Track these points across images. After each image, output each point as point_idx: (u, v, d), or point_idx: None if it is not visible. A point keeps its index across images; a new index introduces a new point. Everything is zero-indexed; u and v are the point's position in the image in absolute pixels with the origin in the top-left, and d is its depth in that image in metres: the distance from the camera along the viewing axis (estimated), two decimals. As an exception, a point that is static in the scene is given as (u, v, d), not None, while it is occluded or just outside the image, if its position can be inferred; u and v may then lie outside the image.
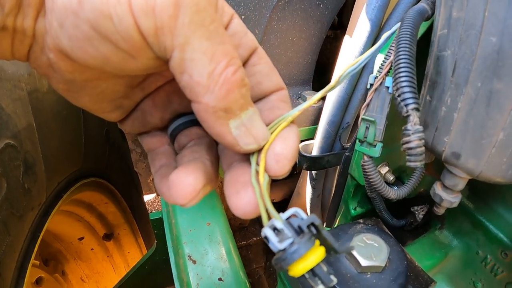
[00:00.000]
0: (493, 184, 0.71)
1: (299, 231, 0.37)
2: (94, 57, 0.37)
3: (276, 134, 0.43)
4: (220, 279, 0.91)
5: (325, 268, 0.37)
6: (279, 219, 0.38)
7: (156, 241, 1.36)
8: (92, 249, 2.23)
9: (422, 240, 0.88)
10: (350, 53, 0.93)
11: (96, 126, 1.82)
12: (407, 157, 0.53)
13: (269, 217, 0.39)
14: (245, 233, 1.65)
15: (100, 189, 1.91)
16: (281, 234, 0.37)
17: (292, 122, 0.45)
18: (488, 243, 0.78)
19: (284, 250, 0.36)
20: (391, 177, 0.82)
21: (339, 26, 1.48)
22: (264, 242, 0.38)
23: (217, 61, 0.36)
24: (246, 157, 0.45)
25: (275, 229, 0.38)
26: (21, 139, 1.12)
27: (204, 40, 0.36)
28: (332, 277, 0.37)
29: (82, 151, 1.62)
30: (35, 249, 1.24)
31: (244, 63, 0.47)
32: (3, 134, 1.03)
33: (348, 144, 1.02)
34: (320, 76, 1.39)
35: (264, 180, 0.41)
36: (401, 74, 0.54)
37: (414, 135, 0.52)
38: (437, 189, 0.67)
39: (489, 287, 0.79)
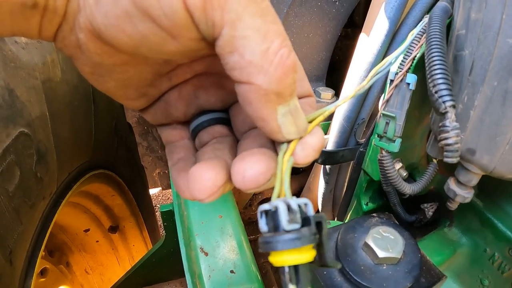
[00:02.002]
0: (502, 183, 0.73)
1: (305, 223, 0.36)
2: (131, 36, 0.36)
3: (314, 126, 0.43)
4: (232, 271, 0.93)
5: (307, 272, 0.36)
6: (294, 201, 0.36)
7: (165, 234, 1.38)
8: (97, 241, 2.25)
9: (432, 236, 0.90)
10: (368, 51, 0.95)
11: (105, 118, 1.84)
12: (445, 153, 0.56)
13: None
14: (254, 227, 1.67)
15: (107, 181, 1.93)
16: (291, 214, 0.36)
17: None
18: (496, 241, 0.80)
19: (286, 231, 0.35)
20: (404, 173, 0.85)
21: (350, 24, 1.49)
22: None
23: (271, 40, 0.35)
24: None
25: (289, 207, 0.36)
26: (35, 127, 1.14)
27: (257, 17, 0.34)
28: (309, 283, 0.36)
29: (92, 143, 1.65)
30: (45, 239, 1.26)
31: None
32: (17, 122, 1.05)
33: (363, 140, 1.04)
34: (331, 73, 1.41)
35: (289, 161, 0.40)
36: (437, 72, 0.56)
37: (452, 132, 0.54)
38: (451, 184, 0.69)
39: (496, 284, 0.81)
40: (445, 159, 0.56)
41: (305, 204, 0.37)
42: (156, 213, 2.94)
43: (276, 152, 0.44)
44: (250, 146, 0.48)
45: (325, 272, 0.63)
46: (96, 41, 0.38)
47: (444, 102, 0.54)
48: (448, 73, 0.56)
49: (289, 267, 0.35)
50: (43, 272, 1.81)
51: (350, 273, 0.60)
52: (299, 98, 0.47)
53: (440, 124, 0.55)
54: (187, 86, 0.51)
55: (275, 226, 0.36)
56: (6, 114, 1.00)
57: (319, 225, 0.37)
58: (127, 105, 0.50)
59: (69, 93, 1.41)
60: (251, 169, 0.39)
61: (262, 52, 0.34)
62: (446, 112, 0.54)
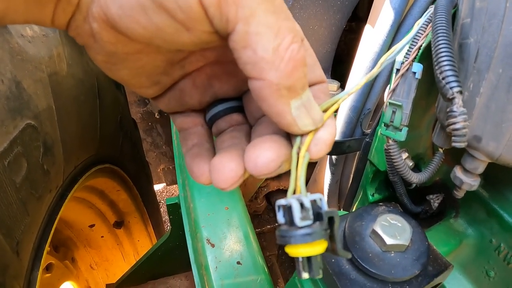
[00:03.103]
0: (508, 174, 0.74)
1: (318, 218, 0.39)
2: (145, 27, 0.37)
3: (329, 116, 0.44)
4: (238, 262, 0.94)
5: (319, 261, 0.39)
6: (307, 198, 0.39)
7: (170, 227, 1.39)
8: (102, 236, 2.27)
9: (438, 227, 0.90)
10: (373, 41, 0.96)
11: (110, 113, 1.86)
12: (453, 138, 0.57)
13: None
14: (259, 220, 1.68)
15: (113, 176, 1.95)
16: (304, 212, 0.38)
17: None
18: (502, 232, 0.80)
19: (300, 227, 0.38)
20: (410, 163, 0.85)
21: (354, 18, 1.50)
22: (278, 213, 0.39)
23: (283, 37, 0.36)
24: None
25: (302, 204, 0.39)
26: (41, 120, 1.15)
27: (270, 14, 0.36)
28: (320, 271, 0.39)
29: (97, 137, 1.66)
30: (51, 232, 1.27)
31: None
32: (24, 114, 1.06)
33: (369, 131, 1.05)
34: (335, 67, 1.41)
35: (305, 157, 0.42)
36: (443, 59, 0.57)
37: (460, 117, 0.55)
38: (458, 172, 0.70)
39: (502, 275, 0.81)
40: (453, 144, 0.57)
41: (320, 199, 0.40)
42: (161, 209, 2.96)
43: (288, 138, 0.46)
44: (263, 132, 0.50)
45: (333, 260, 0.64)
46: (110, 30, 0.39)
47: (451, 88, 0.55)
48: (455, 60, 0.57)
49: (303, 257, 0.38)
50: (48, 268, 1.83)
51: (358, 260, 0.61)
52: (312, 84, 0.48)
53: (448, 110, 0.56)
54: (201, 74, 0.53)
55: (290, 221, 0.39)
56: (13, 106, 1.01)
57: (331, 220, 0.39)
58: (140, 93, 0.52)
59: (75, 87, 1.43)
60: (262, 156, 0.41)
61: (274, 48, 0.36)
62: (453, 98, 0.55)
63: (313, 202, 0.39)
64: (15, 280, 1.03)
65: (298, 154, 0.43)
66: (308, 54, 0.47)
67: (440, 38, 0.59)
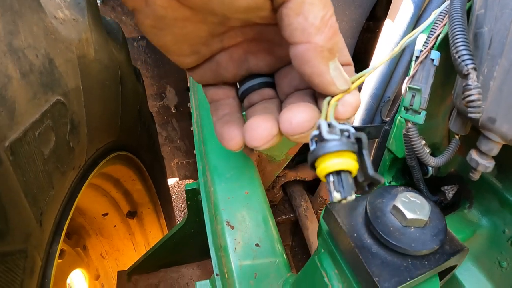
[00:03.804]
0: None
1: (346, 137, 0.42)
2: None
3: (356, 86, 0.50)
4: (257, 244, 0.95)
5: (350, 180, 0.40)
6: (335, 121, 0.43)
7: (188, 213, 1.41)
8: (114, 226, 2.29)
9: (452, 217, 0.92)
10: (394, 32, 0.99)
11: (131, 102, 1.89)
12: (469, 109, 0.61)
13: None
14: (275, 210, 1.70)
15: (129, 164, 1.98)
16: (331, 129, 0.42)
17: None
18: (515, 222, 0.82)
19: (327, 140, 0.40)
20: (427, 150, 0.88)
21: (371, 17, 1.53)
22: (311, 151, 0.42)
23: (328, 9, 0.43)
24: None
25: (329, 125, 0.43)
26: (70, 98, 1.19)
27: None
28: (353, 192, 0.40)
29: (118, 123, 1.69)
30: (72, 209, 1.30)
31: None
32: (55, 90, 1.09)
33: (388, 118, 1.07)
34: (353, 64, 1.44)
35: (332, 105, 0.47)
36: (459, 39, 0.62)
37: (474, 90, 0.60)
38: (473, 154, 0.73)
39: (514, 266, 0.83)
40: (469, 115, 0.62)
41: (348, 128, 0.43)
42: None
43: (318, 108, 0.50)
44: (294, 101, 0.54)
45: (355, 234, 0.67)
46: None
47: (466, 65, 0.60)
48: (468, 41, 0.62)
49: (333, 175, 0.40)
50: (60, 254, 1.85)
51: (380, 233, 0.64)
52: (342, 65, 0.52)
53: (464, 84, 0.61)
54: (238, 49, 0.56)
55: (319, 138, 0.42)
56: (46, 81, 1.05)
57: (359, 140, 0.42)
58: (178, 61, 0.55)
59: (101, 72, 1.46)
60: (298, 116, 0.47)
61: (322, 16, 0.43)
62: (468, 74, 0.60)
63: (342, 130, 0.42)
64: (36, 250, 1.05)
65: (328, 104, 0.48)
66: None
67: (456, 23, 0.64)
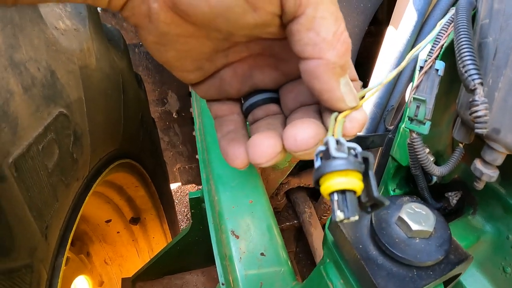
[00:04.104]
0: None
1: (353, 156, 0.41)
2: (214, 7, 0.40)
3: (364, 101, 0.50)
4: (262, 254, 0.96)
5: (355, 200, 0.40)
6: (343, 139, 0.42)
7: (191, 221, 1.41)
8: (118, 232, 2.30)
9: (456, 223, 0.92)
10: (397, 40, 0.99)
11: (133, 109, 1.90)
12: (476, 124, 0.61)
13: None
14: (278, 217, 1.70)
15: (132, 171, 1.98)
16: (339, 146, 0.41)
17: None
18: (519, 228, 0.83)
19: (334, 157, 0.40)
20: (431, 158, 0.88)
21: (374, 22, 1.53)
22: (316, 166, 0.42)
23: (339, 23, 0.42)
24: None
25: (338, 142, 0.42)
26: (72, 110, 1.19)
27: (331, 3, 0.41)
28: (357, 213, 0.39)
29: (121, 132, 1.70)
30: (77, 220, 1.31)
31: None
32: (57, 103, 1.10)
33: (391, 127, 1.08)
34: (356, 68, 1.44)
35: (340, 121, 0.47)
36: (465, 53, 0.62)
37: (481, 105, 0.60)
38: (478, 164, 0.73)
39: (518, 272, 0.83)
40: (476, 130, 0.62)
41: (356, 147, 0.42)
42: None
43: (323, 124, 0.50)
44: (299, 117, 0.54)
45: (361, 246, 0.67)
46: (169, 11, 0.42)
47: (473, 80, 0.60)
48: (475, 55, 0.62)
49: (338, 194, 0.40)
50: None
51: (386, 245, 0.64)
52: None
53: (470, 100, 0.61)
54: (243, 65, 0.56)
55: (326, 155, 0.41)
56: (48, 94, 1.05)
57: (366, 160, 0.42)
58: (181, 77, 0.54)
59: (102, 81, 1.47)
60: (303, 132, 0.46)
61: (334, 32, 0.42)
62: (475, 89, 0.60)
63: (350, 148, 0.42)
64: (42, 263, 1.06)
65: (335, 120, 0.47)
66: None
67: (462, 36, 0.64)
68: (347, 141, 0.43)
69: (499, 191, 0.85)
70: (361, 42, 1.45)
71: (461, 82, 0.67)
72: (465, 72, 0.61)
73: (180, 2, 0.40)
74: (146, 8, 0.43)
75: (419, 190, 0.92)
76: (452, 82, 0.78)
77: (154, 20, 0.43)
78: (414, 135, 0.78)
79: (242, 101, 0.62)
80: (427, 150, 0.88)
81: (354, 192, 0.40)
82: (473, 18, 0.73)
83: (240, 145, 0.53)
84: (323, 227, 1.64)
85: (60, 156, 1.12)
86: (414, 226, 0.65)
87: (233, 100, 0.61)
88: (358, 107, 0.49)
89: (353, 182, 0.40)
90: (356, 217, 0.40)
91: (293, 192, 1.71)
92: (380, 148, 1.10)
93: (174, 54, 0.49)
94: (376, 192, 0.41)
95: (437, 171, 0.80)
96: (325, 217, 1.64)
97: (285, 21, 0.43)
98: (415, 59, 0.74)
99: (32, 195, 0.98)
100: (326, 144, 0.42)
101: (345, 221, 0.39)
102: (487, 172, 0.72)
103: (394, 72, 0.55)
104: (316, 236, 1.51)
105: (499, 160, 0.70)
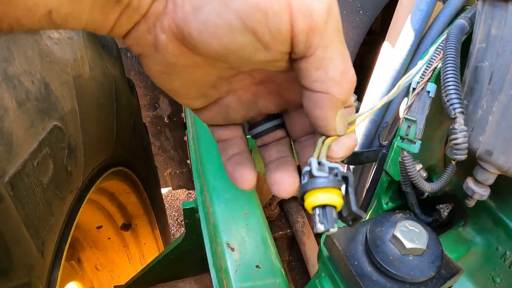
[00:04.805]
0: (513, 185, 0.80)
1: (334, 175, 0.46)
2: (225, 46, 0.41)
3: (353, 129, 0.54)
4: (257, 266, 0.97)
5: (335, 215, 0.45)
6: (325, 160, 0.47)
7: (185, 231, 1.42)
8: (109, 238, 2.29)
9: (447, 235, 0.94)
10: (394, 60, 1.01)
11: (125, 116, 1.90)
12: (454, 151, 0.66)
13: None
14: (271, 226, 1.72)
15: (124, 179, 1.98)
16: (320, 167, 0.46)
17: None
18: (508, 240, 0.85)
19: (316, 177, 0.44)
20: (424, 174, 0.91)
21: (368, 31, 1.55)
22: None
23: (347, 63, 0.45)
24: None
25: (319, 163, 0.46)
26: (67, 122, 1.19)
27: (340, 44, 0.43)
28: (336, 225, 0.44)
29: (113, 140, 1.70)
30: (71, 232, 1.31)
31: None
32: (52, 116, 1.10)
33: (385, 143, 1.09)
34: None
35: (325, 144, 0.51)
36: (449, 83, 0.66)
37: (460, 133, 0.64)
38: (470, 183, 0.76)
39: (508, 281, 0.85)
40: (454, 156, 0.66)
41: (338, 167, 0.47)
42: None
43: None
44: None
45: (356, 263, 0.69)
46: (177, 43, 0.42)
47: (454, 109, 0.65)
48: (459, 85, 0.66)
49: (319, 209, 0.45)
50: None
51: (380, 262, 0.67)
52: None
53: (451, 127, 0.65)
54: (247, 92, 0.57)
55: (310, 174, 0.46)
56: (42, 107, 1.05)
57: (346, 179, 0.46)
58: (185, 103, 0.56)
59: (96, 90, 1.47)
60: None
61: (341, 71, 0.44)
62: (455, 117, 0.65)
63: (331, 168, 0.46)
64: (39, 280, 1.06)
65: (322, 143, 0.51)
66: None
67: (448, 66, 0.67)
68: (331, 163, 0.48)
69: (489, 205, 0.88)
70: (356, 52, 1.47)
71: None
72: (447, 101, 0.66)
73: (191, 37, 0.41)
74: (152, 38, 0.43)
75: (409, 206, 0.94)
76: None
77: (162, 50, 0.44)
78: (405, 153, 0.81)
79: (247, 125, 0.64)
80: (420, 166, 0.91)
81: (334, 207, 0.45)
82: (468, 41, 0.75)
83: (246, 169, 0.57)
84: (316, 236, 1.66)
85: (54, 170, 1.12)
86: (408, 244, 0.67)
87: (235, 124, 0.62)
88: (346, 134, 0.52)
89: (333, 198, 0.44)
90: (335, 230, 0.44)
91: (286, 202, 1.73)
92: (374, 163, 1.12)
93: (180, 83, 0.50)
94: (354, 207, 0.46)
95: (428, 188, 0.83)
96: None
97: (294, 57, 0.44)
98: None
99: (28, 213, 0.98)
100: (310, 164, 0.46)
101: (326, 232, 0.44)
102: (478, 191, 0.74)
103: (384, 100, 0.58)
104: (309, 245, 1.53)
105: (491, 179, 0.72)
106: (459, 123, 0.64)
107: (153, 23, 0.42)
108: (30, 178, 0.98)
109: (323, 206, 0.44)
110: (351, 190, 0.46)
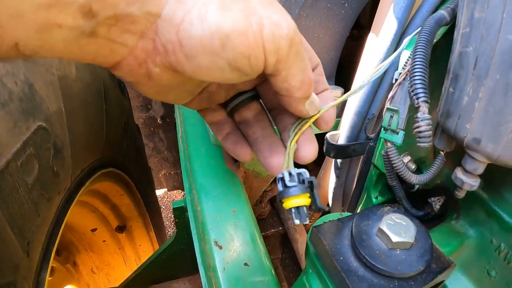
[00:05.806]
0: (507, 176, 0.78)
1: (302, 182, 0.59)
2: (215, 78, 0.49)
3: (322, 112, 0.67)
4: (246, 264, 0.96)
5: (306, 211, 0.58)
6: (294, 171, 0.60)
7: (176, 230, 1.41)
8: (104, 240, 2.29)
9: (440, 228, 0.93)
10: (378, 49, 1.00)
11: (116, 117, 1.89)
12: (418, 139, 0.67)
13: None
14: (263, 224, 1.71)
15: (116, 180, 1.98)
16: (291, 178, 0.59)
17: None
18: (502, 232, 0.83)
19: (289, 187, 0.58)
20: (412, 166, 0.90)
21: (356, 26, 1.53)
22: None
23: (306, 73, 0.56)
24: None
25: (290, 174, 0.59)
26: (52, 122, 1.19)
27: (300, 62, 0.53)
28: (307, 219, 0.58)
29: (103, 141, 1.69)
30: (59, 234, 1.31)
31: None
32: (36, 116, 1.10)
33: (373, 135, 1.08)
34: (339, 73, 1.44)
35: (293, 147, 0.66)
36: (416, 74, 0.68)
37: (422, 122, 0.66)
38: (458, 173, 0.74)
39: (503, 274, 0.84)
40: (418, 144, 0.67)
41: (304, 172, 0.60)
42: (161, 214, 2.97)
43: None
44: (287, 121, 0.71)
45: (341, 258, 0.68)
46: (171, 72, 0.49)
47: (417, 98, 0.66)
48: (426, 75, 0.68)
49: (294, 209, 0.58)
50: (50, 271, 1.85)
51: (366, 257, 0.65)
52: (320, 93, 0.70)
53: (414, 116, 0.67)
54: None
55: (284, 184, 0.59)
56: (26, 108, 1.05)
57: (310, 183, 0.59)
58: (175, 102, 0.65)
59: (83, 91, 1.46)
60: (308, 152, 0.68)
61: (300, 81, 0.55)
62: (419, 106, 0.66)
63: (299, 174, 0.59)
64: (25, 280, 1.06)
65: (290, 144, 0.66)
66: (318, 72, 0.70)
67: (416, 58, 0.69)
68: (298, 170, 0.61)
69: (482, 196, 0.86)
70: (345, 46, 1.46)
71: (441, 91, 0.70)
72: (412, 91, 0.67)
73: (185, 73, 0.48)
74: (144, 70, 0.49)
75: (397, 200, 0.93)
76: (433, 90, 0.79)
77: (155, 79, 0.50)
78: (389, 144, 0.80)
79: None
80: (408, 158, 0.90)
81: (305, 206, 0.58)
82: (452, 28, 0.74)
83: (246, 147, 0.71)
84: (308, 233, 1.65)
85: (40, 170, 1.11)
86: (395, 238, 0.65)
87: (222, 105, 0.72)
88: (327, 110, 0.67)
89: (303, 200, 0.58)
90: (308, 222, 0.58)
91: (277, 199, 1.71)
92: (362, 156, 1.11)
93: (174, 95, 0.59)
94: (319, 204, 0.59)
95: (415, 180, 0.81)
96: (309, 223, 1.65)
97: (266, 73, 0.53)
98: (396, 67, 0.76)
99: (12, 212, 0.98)
100: (283, 175, 0.59)
101: (301, 223, 0.60)
102: (468, 181, 0.73)
103: (344, 97, 0.69)
104: (302, 242, 1.51)
105: (480, 169, 0.71)
106: (422, 112, 0.66)
107: (144, 59, 0.47)
108: (13, 177, 0.98)
109: (297, 207, 0.58)
110: (315, 191, 0.59)
